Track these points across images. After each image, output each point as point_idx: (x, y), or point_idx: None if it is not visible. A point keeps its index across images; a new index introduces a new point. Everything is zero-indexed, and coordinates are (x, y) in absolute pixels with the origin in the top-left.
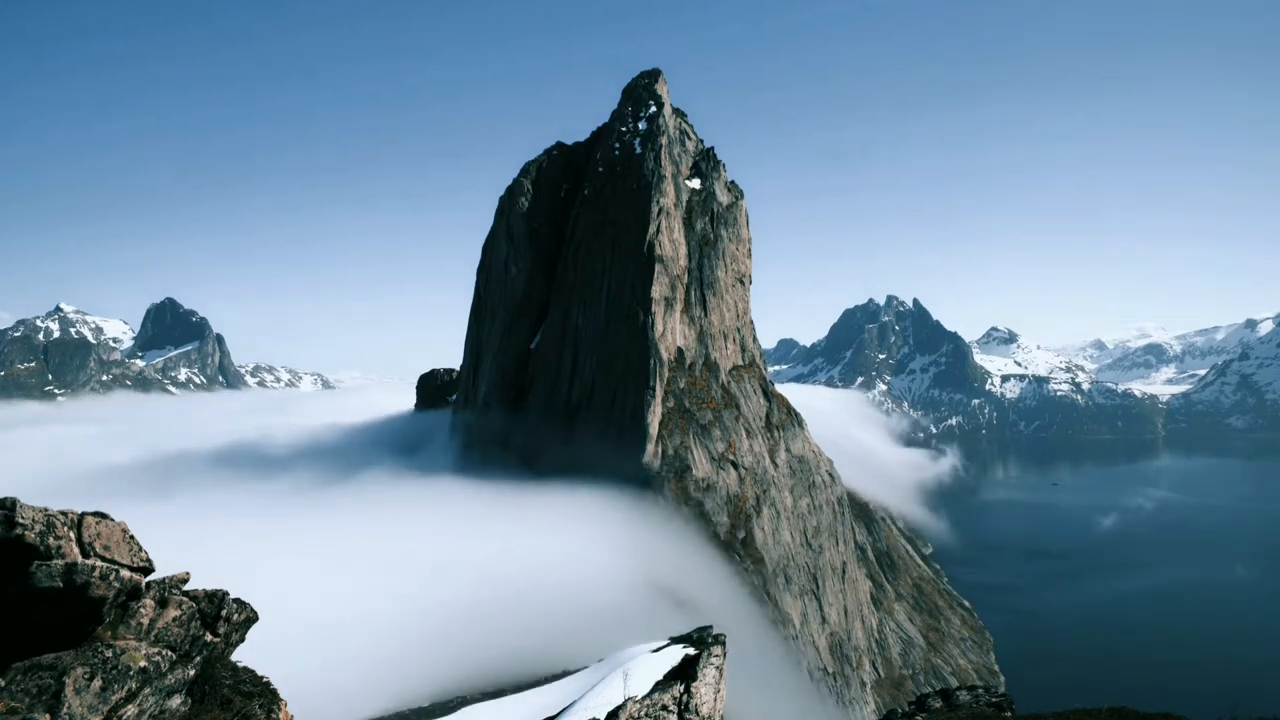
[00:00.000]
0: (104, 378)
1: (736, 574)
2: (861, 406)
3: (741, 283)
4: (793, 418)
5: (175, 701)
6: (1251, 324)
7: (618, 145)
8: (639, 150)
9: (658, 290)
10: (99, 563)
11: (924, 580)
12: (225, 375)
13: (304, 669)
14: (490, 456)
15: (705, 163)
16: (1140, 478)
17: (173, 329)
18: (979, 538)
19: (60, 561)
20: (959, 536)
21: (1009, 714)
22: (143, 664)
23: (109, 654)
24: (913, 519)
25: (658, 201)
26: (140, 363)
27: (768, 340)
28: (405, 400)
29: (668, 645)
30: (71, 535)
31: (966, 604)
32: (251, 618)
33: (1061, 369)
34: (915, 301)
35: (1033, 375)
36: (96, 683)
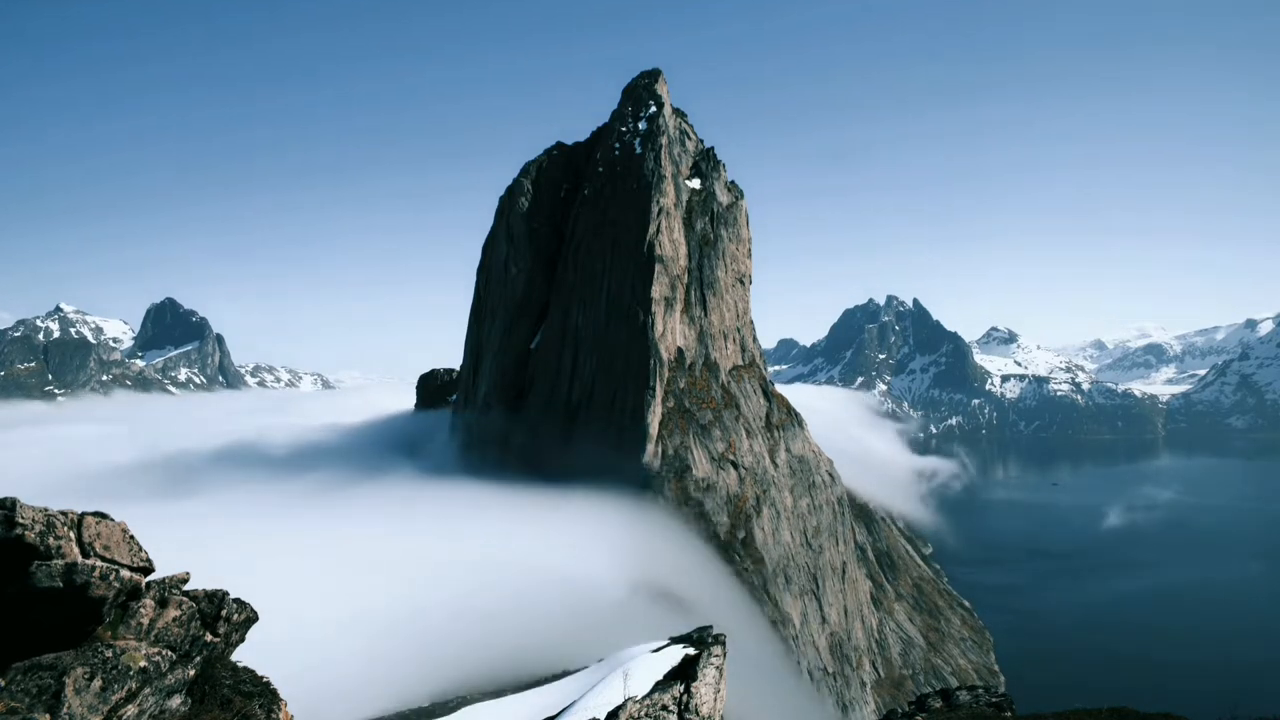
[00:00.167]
0: (104, 378)
1: (736, 574)
2: (861, 406)
3: (741, 283)
4: (793, 418)
5: (175, 701)
6: (1251, 324)
7: (618, 145)
8: (639, 150)
9: (658, 290)
10: (99, 563)
11: (924, 580)
12: (225, 375)
13: (304, 669)
14: (490, 456)
15: (705, 163)
16: (1140, 478)
17: (173, 329)
18: (979, 538)
19: (60, 561)
20: (959, 536)
21: (1009, 714)
22: (143, 664)
23: (109, 654)
24: (913, 519)
25: (658, 201)
26: (140, 363)
27: (768, 340)
28: (405, 400)
29: (668, 645)
30: (71, 535)
31: (966, 604)
32: (251, 618)
33: (1061, 369)
34: (915, 301)
35: (1033, 375)
36: (96, 683)
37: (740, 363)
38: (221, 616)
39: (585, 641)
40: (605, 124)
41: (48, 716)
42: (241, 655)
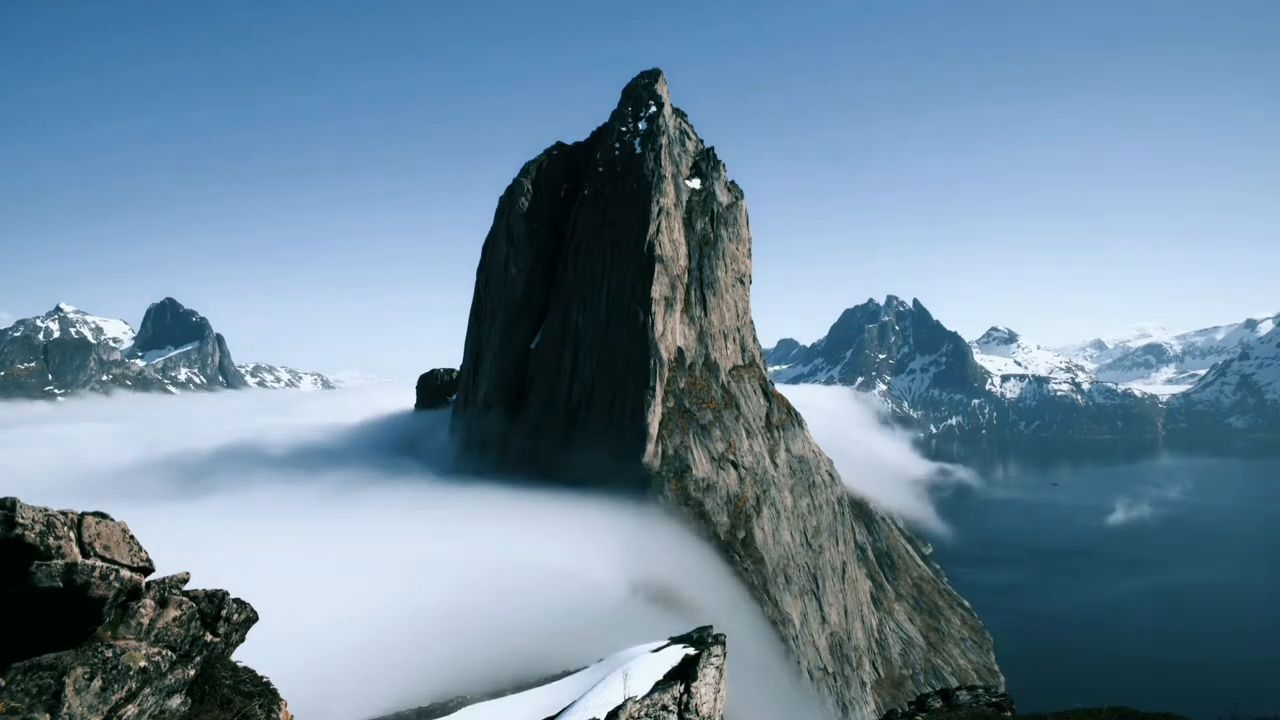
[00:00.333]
0: (104, 378)
1: (736, 574)
2: (861, 407)
3: (741, 283)
4: (793, 418)
5: (175, 701)
6: (1251, 324)
7: (618, 145)
8: (639, 150)
9: (658, 290)
10: (99, 563)
11: (924, 580)
12: (225, 375)
13: (304, 669)
14: (490, 456)
15: (705, 163)
16: (1140, 478)
17: (173, 329)
18: (979, 538)
19: (60, 561)
20: (959, 536)
21: (1009, 714)
22: (143, 664)
23: (109, 654)
24: (913, 519)
25: (658, 201)
26: (140, 363)
27: (768, 340)
28: (405, 400)
29: (668, 645)
30: (71, 535)
31: (966, 604)
32: (251, 618)
33: (1061, 369)
34: (915, 301)
35: (1033, 375)
36: (96, 683)
37: (740, 363)
38: (221, 616)
39: (585, 641)
40: (605, 124)
41: (48, 716)
42: (241, 655)
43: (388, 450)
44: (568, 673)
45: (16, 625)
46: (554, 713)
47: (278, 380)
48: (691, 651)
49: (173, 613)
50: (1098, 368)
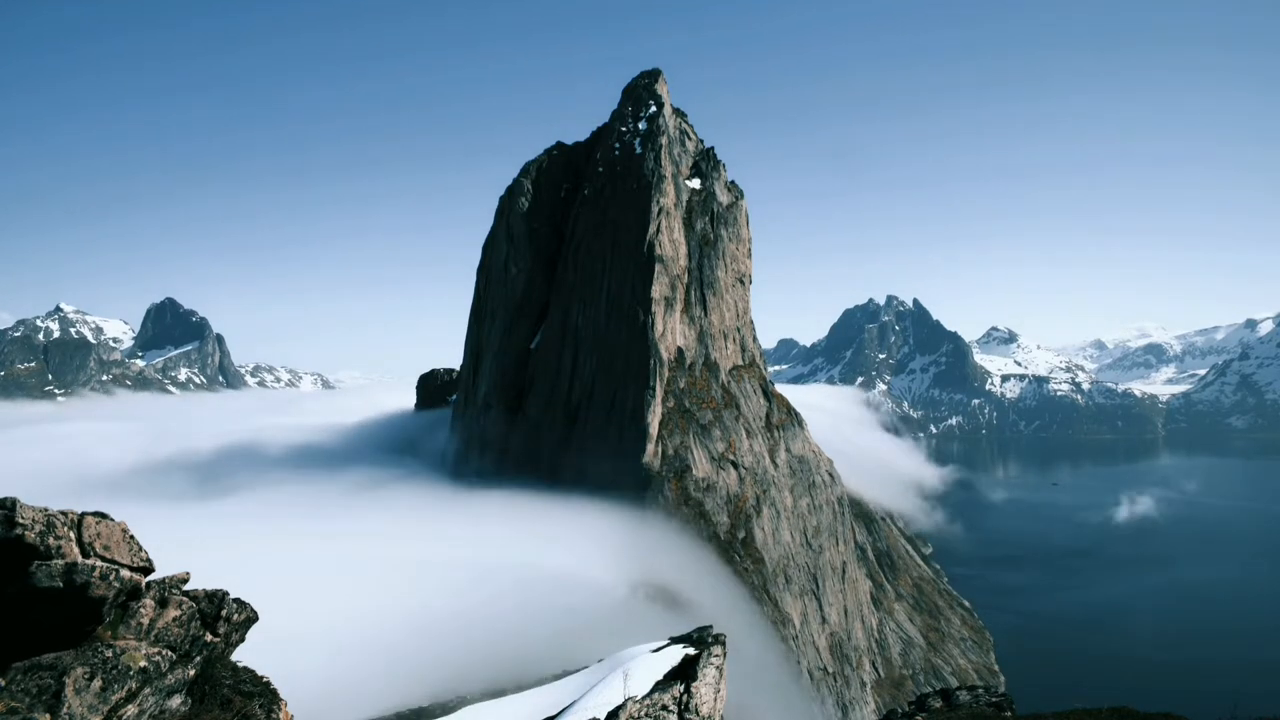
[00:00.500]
0: (104, 378)
1: (736, 574)
2: (861, 406)
3: (741, 283)
4: (793, 418)
5: (175, 701)
6: (1251, 324)
7: (618, 145)
8: (639, 150)
9: (658, 290)
10: (99, 563)
11: (924, 580)
12: (225, 375)
13: (304, 669)
14: (490, 456)
15: (705, 163)
16: (1140, 478)
17: (173, 329)
18: (979, 538)
19: (60, 561)
20: (959, 536)
21: (1009, 714)
22: (143, 664)
23: (109, 654)
24: (913, 519)
25: (658, 201)
26: (140, 363)
27: (768, 340)
28: (405, 400)
29: (668, 645)
30: (71, 535)
31: (966, 604)
32: (251, 618)
33: (1061, 369)
34: (915, 301)
35: (1033, 375)
36: (96, 683)
37: (740, 363)
38: (221, 616)
39: (585, 641)
40: (605, 124)
41: (48, 716)
42: (241, 655)
43: (388, 450)
44: (568, 673)
45: (16, 625)
46: (554, 713)
47: (278, 380)
48: (691, 651)
49: (173, 613)
50: (1098, 368)
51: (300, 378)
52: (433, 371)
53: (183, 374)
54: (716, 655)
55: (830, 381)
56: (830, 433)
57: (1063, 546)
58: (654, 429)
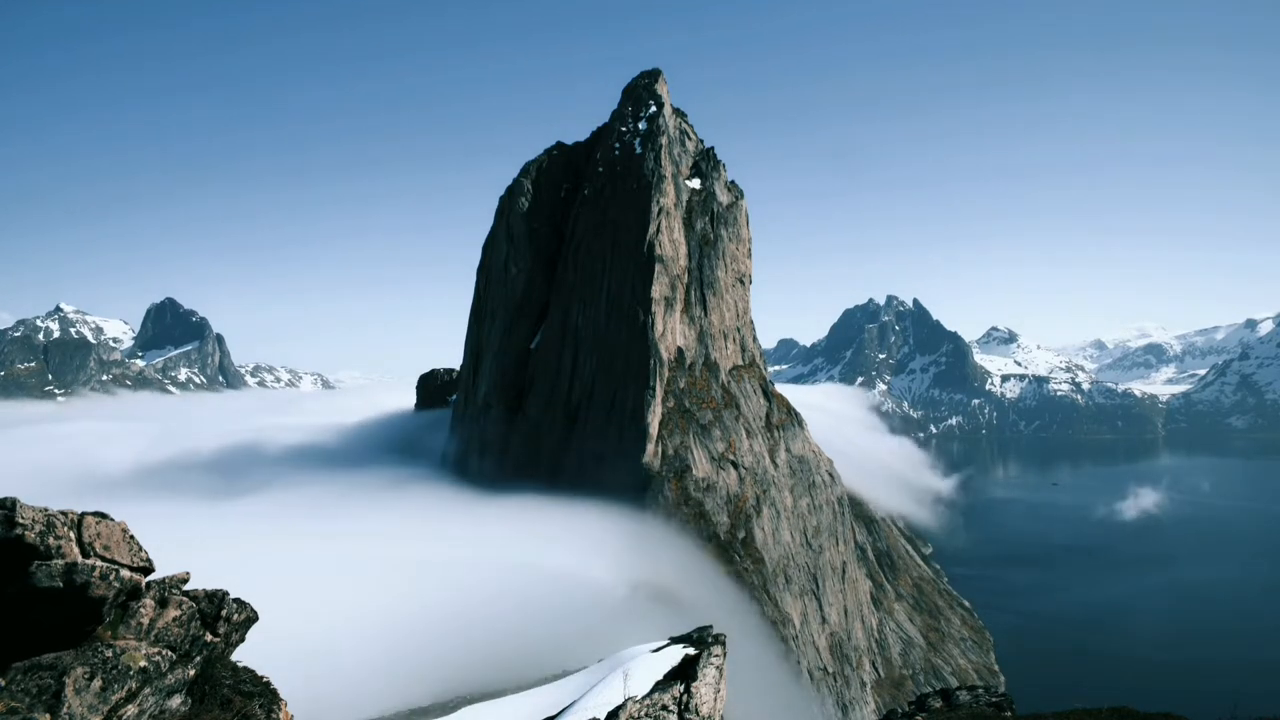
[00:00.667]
0: (104, 378)
1: (736, 574)
2: (861, 406)
3: (741, 283)
4: (793, 418)
5: (175, 701)
6: (1251, 324)
7: (618, 145)
8: (639, 150)
9: (658, 290)
10: (99, 563)
11: (924, 580)
12: (225, 375)
13: (304, 669)
14: (490, 456)
15: (705, 163)
16: (1140, 478)
17: (173, 329)
18: (979, 538)
19: (60, 561)
20: (959, 536)
21: (1009, 714)
22: (143, 664)
23: (109, 654)
24: (913, 519)
25: (658, 201)
26: (140, 363)
27: (768, 340)
28: (405, 400)
29: (668, 645)
30: (71, 535)
31: (966, 604)
32: (251, 618)
33: (1061, 369)
34: (915, 301)
35: (1033, 375)
36: (96, 683)
37: (740, 363)
38: (221, 616)
39: (585, 641)
40: (605, 124)
41: (48, 716)
42: (241, 655)
43: (388, 451)
44: (568, 673)
45: (16, 625)
46: (554, 713)
47: (278, 380)
48: (691, 651)
49: (173, 613)
50: (1098, 368)
51: (300, 378)
52: (433, 371)
53: (183, 374)
54: (716, 655)
55: (830, 381)
56: (830, 433)
57: (1063, 546)
58: (654, 429)
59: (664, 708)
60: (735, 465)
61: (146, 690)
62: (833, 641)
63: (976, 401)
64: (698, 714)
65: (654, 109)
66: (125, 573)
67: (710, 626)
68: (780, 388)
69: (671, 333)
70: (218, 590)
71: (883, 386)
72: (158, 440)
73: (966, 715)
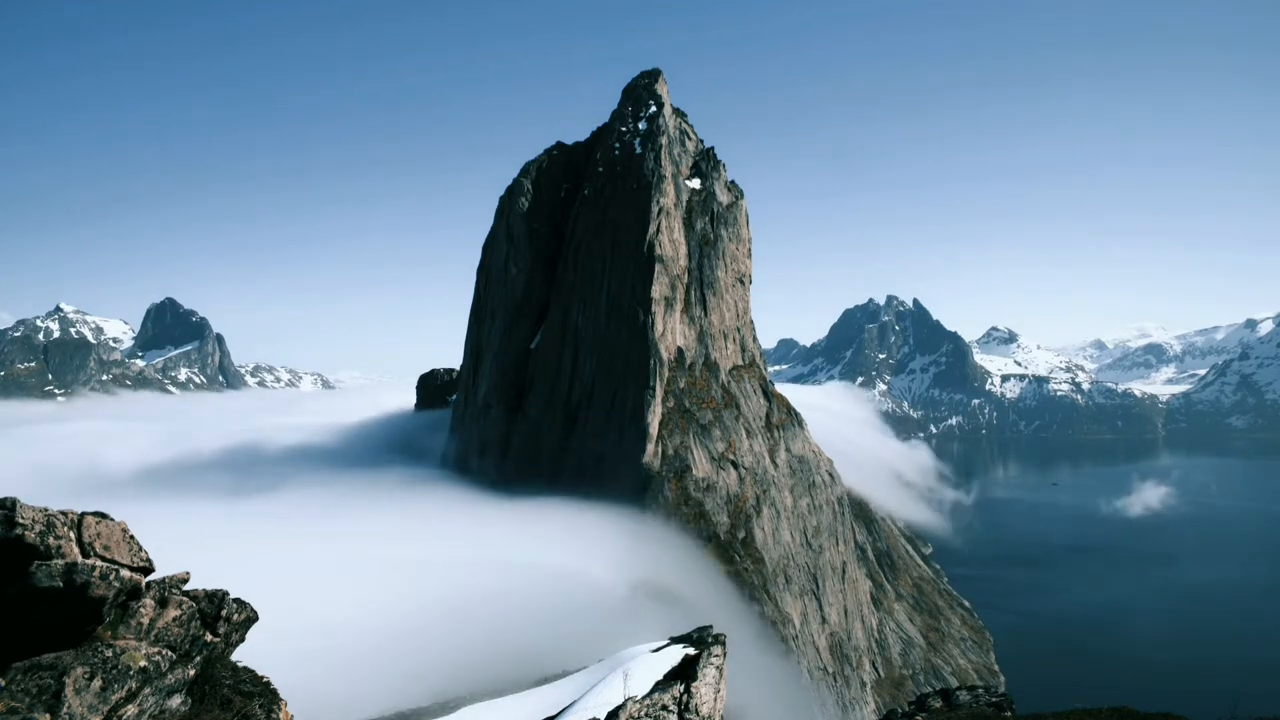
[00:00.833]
0: (104, 377)
1: (736, 574)
2: (861, 406)
3: (741, 283)
4: (793, 418)
5: (175, 701)
6: (1251, 324)
7: (618, 145)
8: (639, 150)
9: (658, 290)
10: (99, 562)
11: (924, 580)
12: (225, 375)
13: (304, 669)
14: (490, 456)
15: (705, 163)
16: (1140, 478)
17: (173, 329)
18: (979, 538)
19: (60, 561)
20: (959, 536)
21: (1009, 714)
22: (143, 664)
23: (109, 654)
24: (913, 519)
25: (658, 201)
26: (140, 363)
27: (768, 340)
28: (405, 400)
29: (668, 645)
30: (71, 535)
31: (966, 604)
32: (251, 617)
33: (1061, 369)
34: (915, 301)
35: (1033, 375)
36: (96, 682)
37: (740, 363)
38: (221, 616)
39: (585, 641)
40: (605, 124)
41: (48, 716)
42: (241, 655)
43: (388, 451)
44: (568, 673)
45: (16, 625)
46: (554, 713)
47: (278, 380)
48: (691, 651)
49: (173, 612)
50: (1098, 368)
51: (300, 378)
52: (433, 371)
53: (183, 374)
54: (716, 655)
55: (830, 381)
56: (830, 433)
57: (1063, 546)
58: (654, 429)
59: (664, 708)
60: (735, 465)
61: (146, 690)
62: (833, 641)
63: (976, 401)
64: (698, 714)
65: (654, 109)
66: (125, 573)
67: (710, 626)
68: (780, 388)
69: (671, 333)
70: (218, 590)
71: (883, 386)
72: (161, 440)
73: (966, 715)
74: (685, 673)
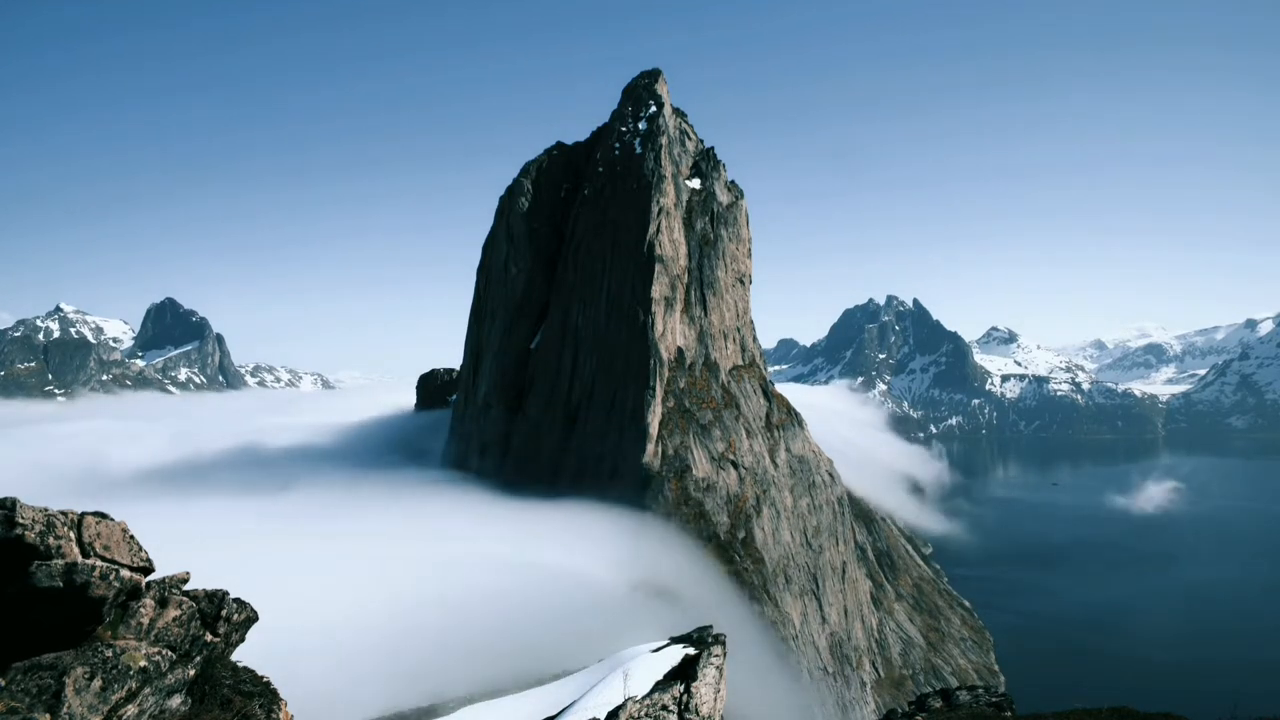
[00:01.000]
0: (104, 377)
1: (736, 574)
2: (861, 406)
3: (741, 283)
4: (793, 418)
5: (175, 701)
6: (1251, 324)
7: (618, 145)
8: (639, 150)
9: (658, 290)
10: (99, 562)
11: (924, 580)
12: (225, 375)
13: (304, 669)
14: (490, 456)
15: (705, 163)
16: (1140, 477)
17: (173, 329)
18: (979, 538)
19: (60, 561)
20: (959, 536)
21: (1009, 714)
22: (143, 664)
23: (109, 654)
24: (913, 519)
25: (658, 201)
26: (140, 363)
27: (768, 340)
28: (406, 400)
29: (668, 645)
30: (71, 535)
31: (966, 604)
32: (251, 617)
33: (1061, 369)
34: (915, 301)
35: (1033, 375)
36: (96, 682)
37: (740, 363)
38: (221, 616)
39: (585, 641)
40: (605, 124)
41: (48, 716)
42: (241, 655)
43: (388, 450)
44: (568, 673)
45: (16, 625)
46: (554, 713)
47: (278, 380)
48: (691, 651)
49: (173, 612)
50: (1098, 368)
51: (300, 378)
52: (433, 371)
53: (183, 374)
54: (716, 655)
55: (830, 381)
56: (830, 433)
57: (1063, 546)
58: (654, 429)
59: (664, 708)
60: (735, 465)
61: (146, 690)
62: (833, 641)
63: (976, 401)
64: (698, 714)
65: (654, 109)
66: (125, 572)
67: (710, 626)
68: (780, 388)
69: (671, 333)
70: (218, 590)
71: (883, 386)
72: (163, 440)
73: (966, 715)
74: (685, 673)
